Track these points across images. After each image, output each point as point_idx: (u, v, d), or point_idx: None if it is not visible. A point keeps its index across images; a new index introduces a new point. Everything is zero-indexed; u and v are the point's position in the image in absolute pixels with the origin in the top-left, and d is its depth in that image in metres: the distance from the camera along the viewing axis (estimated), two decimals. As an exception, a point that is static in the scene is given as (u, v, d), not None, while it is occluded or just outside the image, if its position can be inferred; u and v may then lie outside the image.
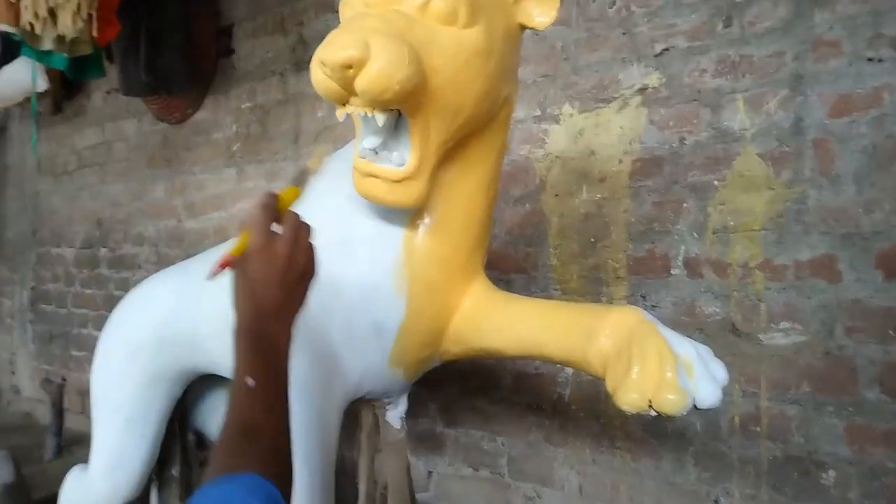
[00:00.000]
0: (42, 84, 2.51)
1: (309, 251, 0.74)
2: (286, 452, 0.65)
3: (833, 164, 1.27)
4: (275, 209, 0.73)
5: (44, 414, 2.83)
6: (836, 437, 1.25)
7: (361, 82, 0.81)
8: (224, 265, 0.71)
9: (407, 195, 0.94)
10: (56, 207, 3.22)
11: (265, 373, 0.66)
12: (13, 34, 1.69)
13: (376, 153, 0.93)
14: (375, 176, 0.93)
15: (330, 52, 0.80)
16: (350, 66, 0.80)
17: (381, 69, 0.79)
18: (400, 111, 0.89)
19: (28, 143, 3.29)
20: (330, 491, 1.07)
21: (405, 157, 0.92)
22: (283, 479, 0.61)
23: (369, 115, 0.86)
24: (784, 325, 1.31)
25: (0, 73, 2.35)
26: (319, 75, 0.85)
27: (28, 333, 3.36)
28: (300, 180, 0.84)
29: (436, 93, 0.88)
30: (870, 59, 1.24)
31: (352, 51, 0.79)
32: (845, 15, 1.26)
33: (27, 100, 2.47)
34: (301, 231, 0.73)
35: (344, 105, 0.88)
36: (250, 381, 0.64)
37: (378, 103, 0.84)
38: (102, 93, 2.99)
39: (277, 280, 0.70)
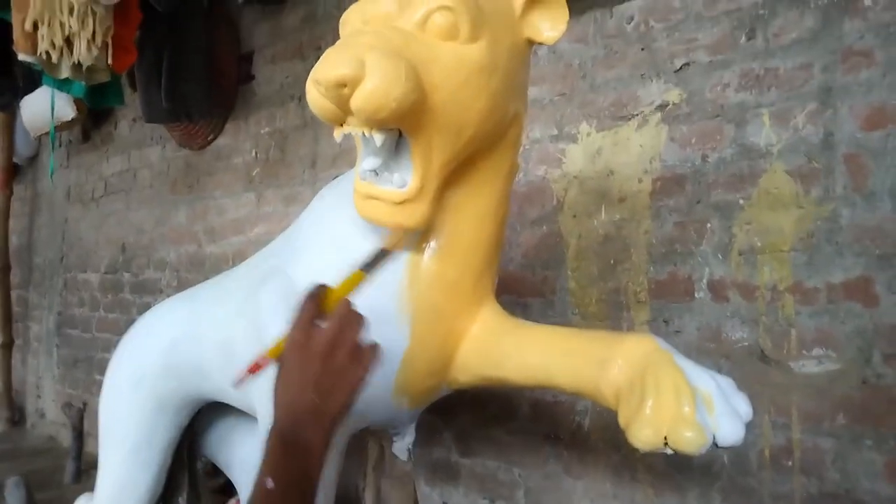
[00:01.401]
0: (69, 112, 2.55)
1: (356, 350, 0.69)
2: None
3: (867, 181, 1.20)
4: (320, 303, 0.70)
5: (66, 438, 2.84)
6: (876, 473, 1.16)
7: (357, 101, 0.77)
8: (253, 369, 0.68)
9: (409, 217, 0.90)
10: (83, 234, 3.27)
11: (286, 477, 0.63)
12: (33, 63, 1.71)
13: (377, 174, 0.90)
14: (376, 198, 0.90)
15: (324, 71, 0.78)
16: (344, 85, 0.77)
17: (376, 87, 0.76)
18: (400, 131, 0.86)
19: (57, 172, 3.36)
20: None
21: (407, 178, 0.89)
22: None
23: (367, 134, 0.83)
24: (817, 351, 1.23)
25: (25, 102, 2.39)
26: (315, 95, 0.82)
27: (54, 358, 3.40)
28: (371, 265, 0.76)
29: (437, 111, 0.84)
30: (903, 70, 1.17)
31: (345, 69, 0.76)
32: (878, 23, 1.20)
33: (57, 128, 2.52)
34: (348, 327, 0.69)
35: (341, 125, 0.85)
36: (269, 483, 0.62)
37: (375, 122, 0.80)
38: (128, 121, 3.04)
39: (312, 382, 0.66)
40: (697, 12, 1.41)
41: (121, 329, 2.88)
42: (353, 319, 0.69)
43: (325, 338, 0.67)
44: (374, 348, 0.72)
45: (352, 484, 1.27)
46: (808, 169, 1.26)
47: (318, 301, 0.70)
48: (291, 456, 0.64)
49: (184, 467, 1.42)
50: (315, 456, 0.66)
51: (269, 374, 0.70)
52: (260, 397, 1.05)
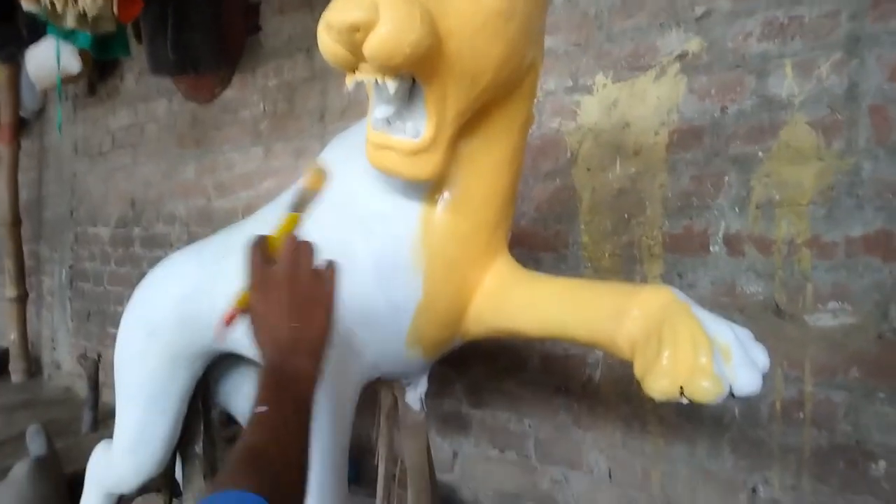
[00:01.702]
0: (75, 66, 2.52)
1: (314, 274, 0.71)
2: (292, 482, 0.62)
3: (891, 133, 1.17)
4: (264, 247, 0.72)
5: (82, 388, 2.89)
6: (889, 426, 1.17)
7: (370, 46, 0.75)
8: (229, 320, 0.71)
9: (423, 168, 0.88)
10: (92, 188, 3.27)
11: (278, 402, 0.65)
12: (37, 13, 1.68)
13: (390, 124, 0.88)
14: (389, 148, 0.88)
15: (336, 15, 0.75)
16: (357, 29, 0.74)
17: (390, 31, 0.74)
18: (414, 78, 0.83)
19: (64, 126, 3.34)
20: (343, 469, 1.04)
21: (420, 128, 0.87)
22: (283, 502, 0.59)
23: (380, 82, 0.81)
24: (832, 305, 1.22)
25: (29, 55, 2.35)
26: (326, 40, 0.80)
27: (67, 311, 3.44)
28: (300, 205, 0.80)
29: (452, 57, 0.82)
30: (935, 16, 1.13)
31: (358, 12, 0.73)
32: (910, -33, 1.15)
33: (62, 81, 2.49)
34: (301, 255, 0.71)
35: (353, 72, 0.83)
36: (261, 408, 0.64)
37: (388, 69, 0.78)
38: (134, 74, 2.99)
39: (285, 312, 0.68)
40: (720, -44, 1.36)
41: (132, 283, 2.90)
42: (303, 247, 0.71)
43: (284, 270, 0.69)
44: (331, 266, 0.74)
45: (365, 433, 1.29)
46: (831, 121, 1.23)
47: (262, 248, 0.71)
48: (283, 387, 0.66)
49: (199, 416, 1.44)
50: (306, 380, 0.68)
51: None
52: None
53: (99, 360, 2.75)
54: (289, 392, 0.66)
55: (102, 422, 2.64)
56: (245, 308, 0.71)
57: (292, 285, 0.69)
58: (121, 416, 1.34)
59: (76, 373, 3.22)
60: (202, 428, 1.45)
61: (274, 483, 0.57)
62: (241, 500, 0.51)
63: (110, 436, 1.39)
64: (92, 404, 2.65)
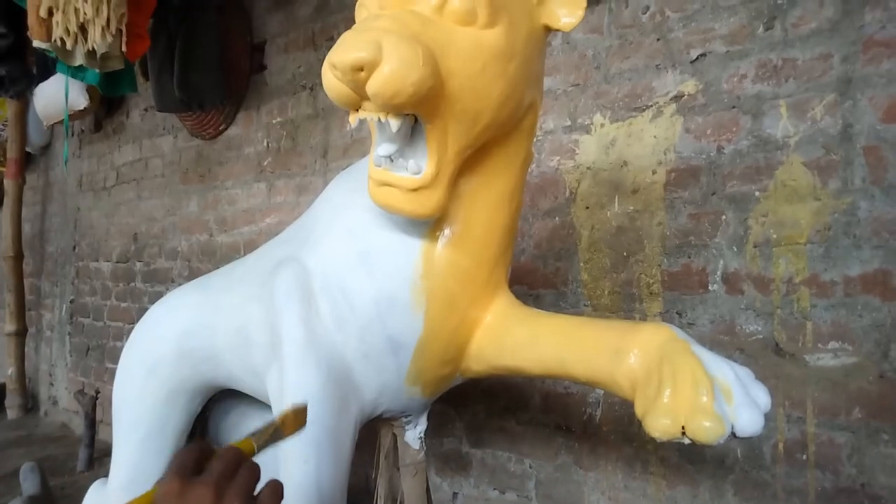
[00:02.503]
0: (82, 101, 2.57)
1: (248, 497, 0.55)
2: None
3: (886, 173, 1.18)
4: (204, 453, 0.58)
5: (79, 425, 2.86)
6: (893, 469, 1.15)
7: (373, 85, 0.77)
8: None
9: (424, 204, 0.89)
10: (95, 222, 3.29)
11: None
12: (47, 50, 1.72)
13: (392, 161, 0.89)
14: (391, 184, 0.89)
15: (340, 54, 0.77)
16: (361, 69, 0.76)
17: (394, 71, 0.75)
18: (416, 116, 0.85)
19: (70, 161, 3.38)
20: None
21: (422, 165, 0.88)
22: None
23: (383, 120, 0.82)
24: (833, 345, 1.22)
25: (39, 91, 2.40)
26: (331, 79, 0.82)
27: (66, 345, 3.42)
28: (263, 439, 0.66)
29: (453, 97, 0.83)
30: (925, 60, 1.16)
31: (362, 52, 0.75)
32: (898, 13, 1.18)
33: (70, 117, 2.53)
34: (236, 479, 0.56)
35: (357, 110, 0.85)
36: None
37: (391, 107, 0.80)
38: (140, 110, 3.04)
39: None
40: (714, 2, 1.40)
41: (132, 318, 2.90)
42: (246, 471, 0.57)
43: (205, 489, 0.54)
44: (274, 492, 0.59)
45: (364, 472, 1.27)
46: (826, 161, 1.24)
47: (199, 455, 0.57)
48: None
49: (195, 454, 1.43)
50: None
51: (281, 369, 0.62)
52: (273, 389, 1.05)
53: (97, 396, 2.73)
54: None
55: (98, 460, 2.61)
56: None
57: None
58: (117, 454, 1.33)
59: (73, 409, 3.19)
60: (199, 466, 1.44)
61: None
62: None
63: (106, 474, 1.37)
64: (88, 442, 2.62)
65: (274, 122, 2.39)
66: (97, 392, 2.80)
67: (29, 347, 3.54)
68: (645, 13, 1.49)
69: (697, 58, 1.41)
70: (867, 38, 1.21)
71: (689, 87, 1.42)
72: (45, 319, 3.69)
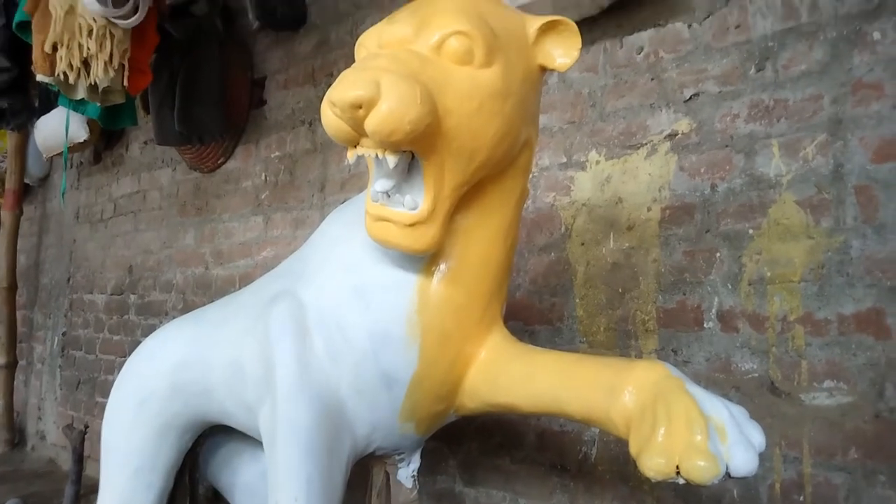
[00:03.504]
0: (83, 134, 2.59)
1: None
2: None
3: (877, 212, 1.20)
4: None
5: (66, 460, 2.81)
6: (892, 510, 1.14)
7: (371, 122, 0.78)
8: None
9: (420, 240, 0.90)
10: (90, 254, 3.28)
11: None
12: (50, 84, 1.74)
13: (389, 196, 0.90)
14: (388, 220, 0.90)
15: (340, 92, 0.78)
16: (360, 106, 0.78)
17: (392, 109, 0.77)
18: (413, 153, 0.86)
19: (68, 192, 3.39)
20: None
21: (418, 201, 0.89)
22: None
23: (380, 156, 0.83)
24: (828, 384, 1.21)
25: (40, 123, 2.42)
26: (330, 116, 0.83)
27: (56, 379, 3.39)
28: None
29: (450, 134, 0.85)
30: (913, 103, 1.18)
31: (361, 90, 0.77)
32: (887, 56, 1.21)
33: (70, 149, 2.55)
34: None
35: (355, 147, 0.86)
36: None
37: (389, 144, 0.81)
38: (140, 143, 3.07)
39: None
40: (707, 43, 1.43)
41: (125, 351, 2.88)
42: None
43: None
44: None
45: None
46: (818, 200, 1.26)
47: None
48: None
49: (185, 492, 1.40)
50: None
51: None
52: (265, 424, 1.04)
53: (86, 431, 2.68)
54: None
55: (85, 497, 2.55)
56: None
57: None
58: (104, 490, 1.31)
59: (61, 444, 3.14)
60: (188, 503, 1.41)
61: None
62: None
63: (92, 511, 1.35)
64: (75, 478, 2.57)
65: (272, 156, 2.41)
66: (86, 427, 2.76)
67: (18, 380, 3.49)
68: (639, 53, 1.53)
69: (691, 97, 1.44)
70: (856, 81, 1.24)
71: (683, 125, 1.44)
72: (37, 352, 3.65)
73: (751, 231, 1.33)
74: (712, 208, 1.38)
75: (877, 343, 1.17)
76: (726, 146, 1.38)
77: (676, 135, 1.44)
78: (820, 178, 1.26)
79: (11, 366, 3.32)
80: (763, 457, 0.72)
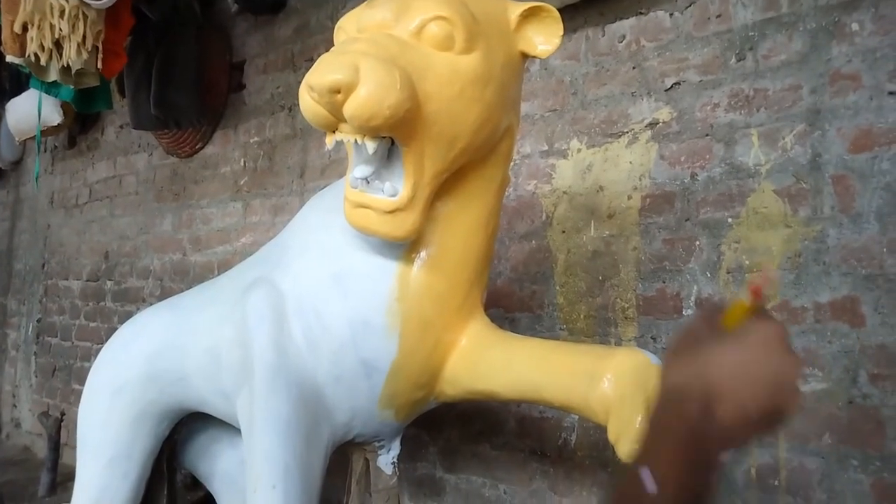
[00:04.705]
0: (56, 117, 2.53)
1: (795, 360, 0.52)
2: None
3: (854, 202, 1.21)
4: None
5: (42, 448, 2.78)
6: (863, 494, 1.16)
7: (350, 107, 0.77)
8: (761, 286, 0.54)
9: (399, 227, 0.89)
10: (65, 240, 3.23)
11: (677, 482, 0.47)
12: (20, 65, 1.69)
13: (368, 183, 0.89)
14: (367, 206, 0.89)
15: (318, 76, 0.77)
16: (338, 91, 0.76)
17: (371, 93, 0.76)
18: (392, 139, 0.85)
19: (42, 177, 3.32)
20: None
21: (398, 188, 0.88)
22: None
23: (359, 142, 0.82)
24: (803, 370, 1.23)
25: (11, 106, 2.36)
26: (308, 100, 0.82)
27: (31, 366, 3.33)
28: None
29: (430, 120, 0.84)
30: (891, 93, 1.19)
31: (339, 74, 0.75)
32: (865, 48, 1.22)
33: (43, 133, 2.49)
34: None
35: (334, 132, 0.85)
36: (649, 484, 0.46)
37: (367, 129, 0.80)
38: (116, 127, 3.01)
39: (764, 385, 0.49)
40: (688, 33, 1.43)
41: (101, 338, 2.84)
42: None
43: (780, 340, 0.51)
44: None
45: (335, 498, 1.25)
46: (797, 189, 1.27)
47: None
48: (686, 457, 0.47)
49: (163, 479, 1.39)
50: (715, 472, 0.49)
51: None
52: (243, 412, 1.03)
53: (62, 418, 2.65)
54: (691, 475, 0.47)
55: (62, 485, 2.53)
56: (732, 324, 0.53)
57: (779, 358, 0.51)
58: (80, 478, 1.29)
59: (37, 432, 3.10)
60: (165, 492, 1.40)
61: None
62: None
63: (69, 500, 1.33)
64: (51, 466, 2.54)
65: (251, 141, 2.37)
66: (62, 414, 2.73)
67: (-8, 368, 3.44)
68: (621, 42, 1.52)
69: (672, 86, 1.44)
70: (834, 71, 1.25)
71: (664, 114, 1.44)
72: (11, 338, 3.59)
73: (730, 220, 1.34)
74: (692, 197, 1.39)
75: (851, 331, 1.19)
76: (706, 135, 1.38)
77: (657, 123, 1.45)
78: (798, 168, 1.27)
79: (-15, 353, 3.26)
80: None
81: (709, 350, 0.52)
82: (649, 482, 0.46)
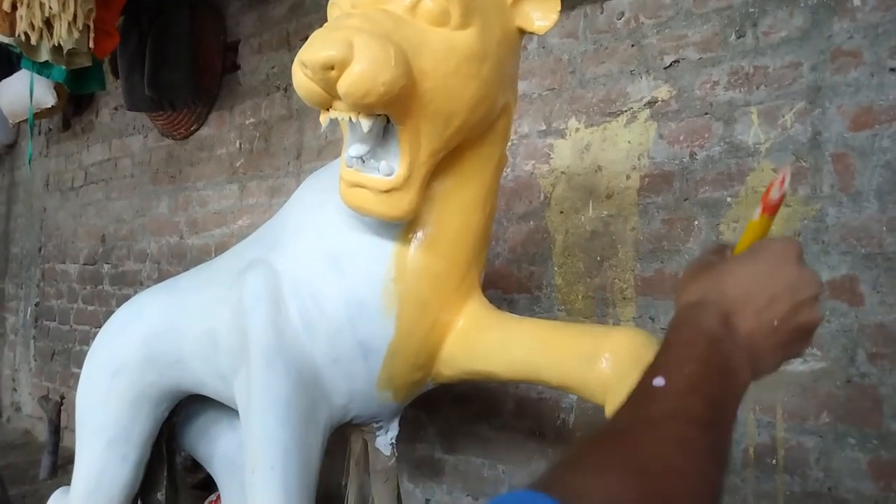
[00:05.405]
0: (49, 99, 2.49)
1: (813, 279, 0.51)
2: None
3: (853, 180, 1.20)
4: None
5: (43, 431, 2.79)
6: (859, 472, 1.17)
7: (344, 84, 0.76)
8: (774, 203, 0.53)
9: (395, 206, 0.88)
10: (62, 223, 3.21)
11: (690, 381, 0.43)
12: (10, 45, 1.67)
13: (363, 162, 0.88)
14: (362, 186, 0.88)
15: (311, 53, 0.76)
16: (332, 67, 0.75)
17: (365, 70, 0.74)
18: (388, 117, 0.84)
19: (36, 160, 3.30)
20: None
21: (394, 166, 0.87)
22: None
23: (354, 120, 0.81)
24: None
25: (2, 87, 2.33)
26: (301, 77, 0.80)
27: (30, 350, 3.34)
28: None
29: (426, 97, 0.83)
30: (893, 70, 1.18)
31: (333, 51, 0.74)
32: (866, 23, 1.20)
33: (36, 115, 2.47)
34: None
35: (328, 110, 0.83)
36: (658, 380, 0.43)
37: (362, 107, 0.78)
38: (110, 109, 2.99)
39: (783, 301, 0.49)
40: (687, 9, 1.41)
41: (99, 321, 2.83)
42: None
43: (797, 255, 0.50)
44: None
45: (334, 479, 1.25)
46: (796, 167, 1.26)
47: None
48: (699, 358, 0.44)
49: (163, 462, 1.39)
50: (738, 386, 0.46)
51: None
52: (240, 394, 1.03)
53: (62, 401, 2.66)
54: (720, 383, 0.44)
55: (62, 468, 2.54)
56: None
57: (794, 272, 0.50)
58: (79, 461, 1.29)
59: (37, 415, 3.11)
60: (165, 474, 1.40)
61: (630, 490, 0.34)
62: None
63: (69, 482, 1.33)
64: (51, 449, 2.55)
65: (247, 122, 2.35)
66: (62, 397, 2.74)
67: (-9, 351, 3.44)
68: (620, 19, 1.50)
69: (671, 64, 1.42)
70: (835, 48, 1.23)
71: (663, 92, 1.42)
72: (9, 323, 3.59)
73: (729, 199, 1.33)
74: (691, 176, 1.38)
75: (850, 309, 1.19)
76: (706, 114, 1.37)
77: (656, 102, 1.43)
78: (798, 146, 1.26)
79: (-17, 337, 3.26)
80: (737, 421, 0.73)
81: (722, 268, 0.51)
82: (657, 379, 0.43)
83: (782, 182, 0.53)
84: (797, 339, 0.50)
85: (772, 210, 0.54)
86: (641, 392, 0.43)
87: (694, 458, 0.38)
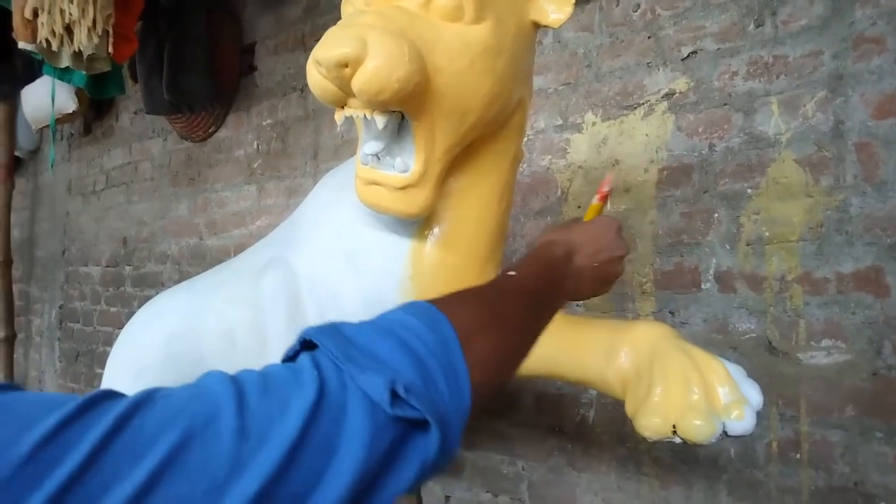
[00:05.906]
0: (71, 104, 2.54)
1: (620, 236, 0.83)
2: (507, 345, 0.57)
3: (878, 169, 1.18)
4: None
5: (68, 432, 2.83)
6: (886, 467, 1.15)
7: (358, 81, 0.76)
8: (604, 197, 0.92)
9: (411, 203, 0.88)
10: (84, 227, 3.26)
11: (533, 276, 0.67)
12: (33, 52, 1.69)
13: (379, 159, 0.88)
14: (378, 183, 0.88)
15: (325, 51, 0.76)
16: (346, 65, 0.75)
17: (379, 67, 0.74)
18: (402, 114, 0.84)
19: (59, 165, 3.35)
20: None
21: (409, 163, 0.87)
22: (477, 345, 0.51)
23: (369, 117, 0.81)
24: (826, 342, 1.21)
25: (26, 93, 2.37)
26: (315, 76, 0.80)
27: (55, 351, 3.39)
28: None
29: (440, 93, 0.82)
30: (916, 56, 1.15)
31: (347, 48, 0.74)
32: (890, 9, 1.17)
33: (58, 120, 2.51)
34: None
35: (342, 108, 0.84)
36: (511, 273, 0.67)
37: (377, 104, 0.78)
38: (130, 113, 3.02)
39: (606, 245, 0.79)
40: (704, 0, 1.39)
41: (122, 322, 2.87)
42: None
43: (617, 228, 0.82)
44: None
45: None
46: (818, 158, 1.24)
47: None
48: (552, 271, 0.71)
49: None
50: (563, 294, 0.73)
51: None
52: None
53: (85, 401, 2.69)
54: (544, 277, 0.69)
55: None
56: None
57: (614, 243, 0.80)
58: (103, 460, 1.30)
59: (62, 415, 3.16)
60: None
61: (486, 323, 0.53)
62: (430, 316, 0.50)
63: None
64: (77, 447, 2.59)
65: (264, 123, 2.37)
66: (87, 398, 2.77)
67: (18, 353, 3.49)
68: (636, 11, 1.49)
69: (688, 55, 1.40)
70: (857, 35, 1.21)
71: (681, 84, 1.41)
72: (35, 325, 3.65)
73: (749, 191, 1.31)
74: (710, 168, 1.36)
75: (875, 301, 1.17)
76: (725, 104, 1.35)
77: (674, 94, 1.42)
78: (820, 136, 1.24)
79: (10, 339, 3.31)
80: (760, 416, 0.72)
81: (573, 226, 0.81)
82: (510, 272, 0.67)
83: (609, 182, 0.92)
84: (606, 280, 0.81)
85: (602, 199, 0.92)
86: (500, 277, 0.67)
87: (522, 310, 0.61)
